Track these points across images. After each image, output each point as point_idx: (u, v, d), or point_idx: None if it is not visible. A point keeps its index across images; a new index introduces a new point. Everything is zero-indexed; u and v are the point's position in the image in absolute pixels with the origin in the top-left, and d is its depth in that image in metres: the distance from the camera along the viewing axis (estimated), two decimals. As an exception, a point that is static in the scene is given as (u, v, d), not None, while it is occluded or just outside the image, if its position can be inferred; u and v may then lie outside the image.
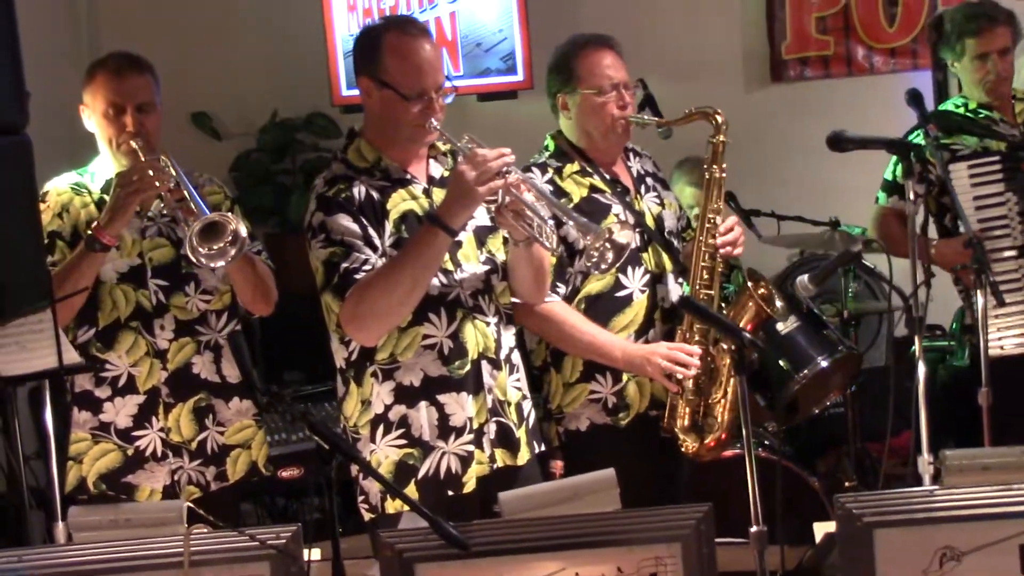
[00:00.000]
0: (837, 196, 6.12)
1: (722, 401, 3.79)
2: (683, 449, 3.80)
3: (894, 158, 4.53)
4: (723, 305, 3.88)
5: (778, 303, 3.80)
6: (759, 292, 3.82)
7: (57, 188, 3.75)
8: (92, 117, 3.72)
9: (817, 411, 4.83)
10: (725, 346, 3.73)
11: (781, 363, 4.57)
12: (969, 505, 2.68)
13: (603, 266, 3.23)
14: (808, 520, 4.35)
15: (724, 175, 3.84)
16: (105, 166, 3.76)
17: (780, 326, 4.22)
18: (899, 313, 3.90)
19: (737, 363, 2.97)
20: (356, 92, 3.75)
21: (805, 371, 4.54)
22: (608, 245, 3.19)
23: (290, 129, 6.63)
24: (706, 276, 3.79)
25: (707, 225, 3.81)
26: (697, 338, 3.75)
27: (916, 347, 3.60)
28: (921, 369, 3.56)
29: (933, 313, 4.57)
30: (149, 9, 6.55)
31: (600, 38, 3.92)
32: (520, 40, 6.33)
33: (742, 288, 3.84)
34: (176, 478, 3.71)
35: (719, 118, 3.83)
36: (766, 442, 4.81)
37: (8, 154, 2.70)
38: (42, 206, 3.68)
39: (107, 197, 3.62)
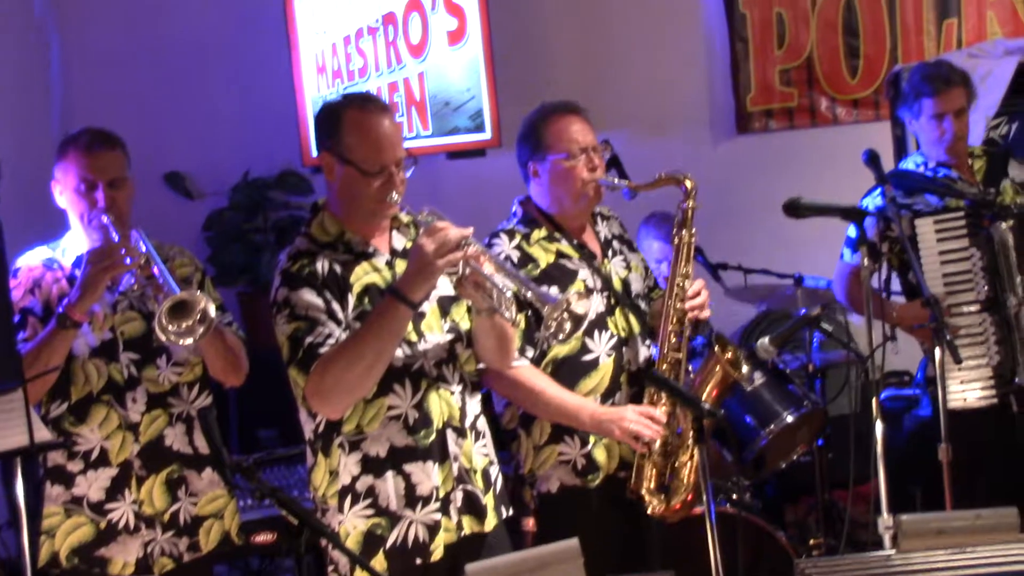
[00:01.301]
0: (802, 245, 6.21)
1: (688, 463, 3.84)
2: (649, 511, 3.84)
3: (856, 214, 4.60)
4: (689, 369, 3.93)
5: (744, 368, 3.86)
6: (726, 356, 3.89)
7: (28, 264, 3.79)
8: (64, 193, 3.77)
9: (784, 465, 4.90)
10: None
11: (747, 419, 4.64)
12: (924, 570, 2.75)
13: (560, 336, 3.26)
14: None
15: (694, 240, 3.91)
16: (77, 241, 3.81)
17: (746, 384, 4.29)
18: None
19: (697, 433, 3.03)
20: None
21: (771, 426, 4.60)
22: (566, 315, 3.23)
23: (262, 188, 6.69)
24: (675, 340, 3.85)
25: (675, 290, 3.87)
26: (664, 400, 3.81)
27: (874, 409, 3.66)
28: (879, 429, 3.63)
29: (902, 358, 4.65)
30: (122, 70, 6.61)
31: (567, 105, 3.98)
32: (488, 99, 6.42)
33: (709, 353, 3.90)
34: (149, 550, 3.73)
35: (689, 183, 3.91)
36: (734, 496, 4.87)
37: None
38: (13, 282, 3.73)
39: (78, 273, 3.67)
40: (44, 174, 5.17)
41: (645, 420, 3.73)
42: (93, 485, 3.72)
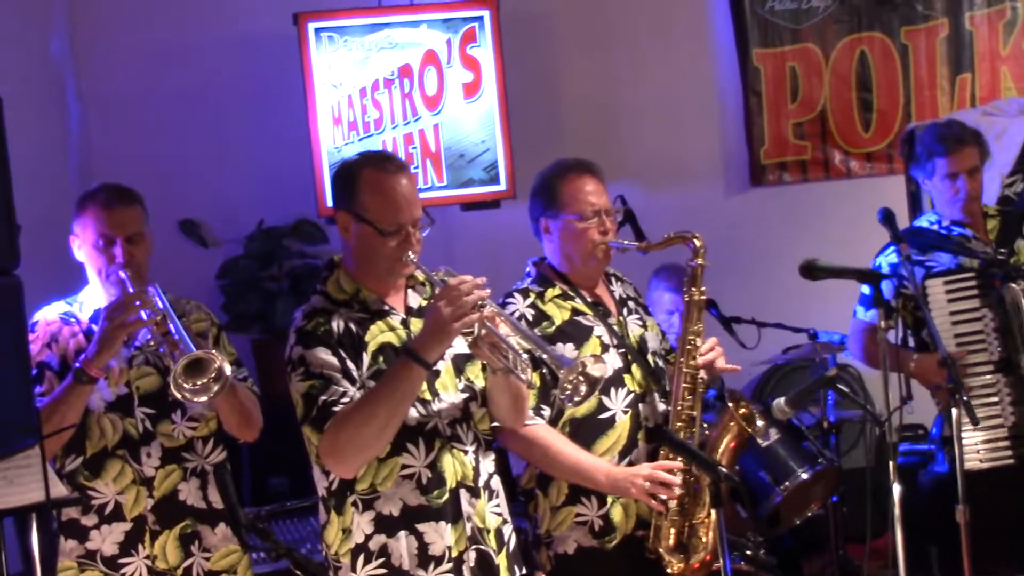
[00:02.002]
0: (816, 299, 6.18)
1: (706, 521, 3.83)
2: (668, 571, 3.82)
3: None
4: (704, 424, 3.93)
5: (759, 422, 3.86)
6: (740, 412, 3.88)
7: (46, 318, 3.81)
8: (82, 248, 3.80)
9: (798, 521, 4.89)
10: None
11: (762, 475, 4.63)
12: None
13: (576, 399, 3.25)
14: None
15: (704, 296, 3.91)
16: (94, 295, 3.83)
17: (761, 439, 4.28)
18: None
19: (714, 497, 3.02)
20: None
21: (786, 483, 4.62)
22: (581, 378, 3.23)
23: (277, 236, 6.70)
24: (688, 397, 3.84)
25: (688, 347, 3.87)
26: (680, 458, 3.80)
27: (891, 471, 3.65)
28: (896, 491, 3.60)
29: (917, 412, 4.62)
30: (139, 116, 6.65)
31: (583, 164, 3.99)
32: (503, 150, 6.44)
33: (723, 408, 3.90)
34: (162, 606, 3.73)
35: (697, 242, 3.91)
36: (748, 552, 4.84)
37: (-1, 296, 2.76)
38: (31, 336, 3.73)
39: (95, 327, 3.68)
40: (60, 220, 5.19)
41: (662, 476, 3.72)
42: (107, 539, 3.72)
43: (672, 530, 3.81)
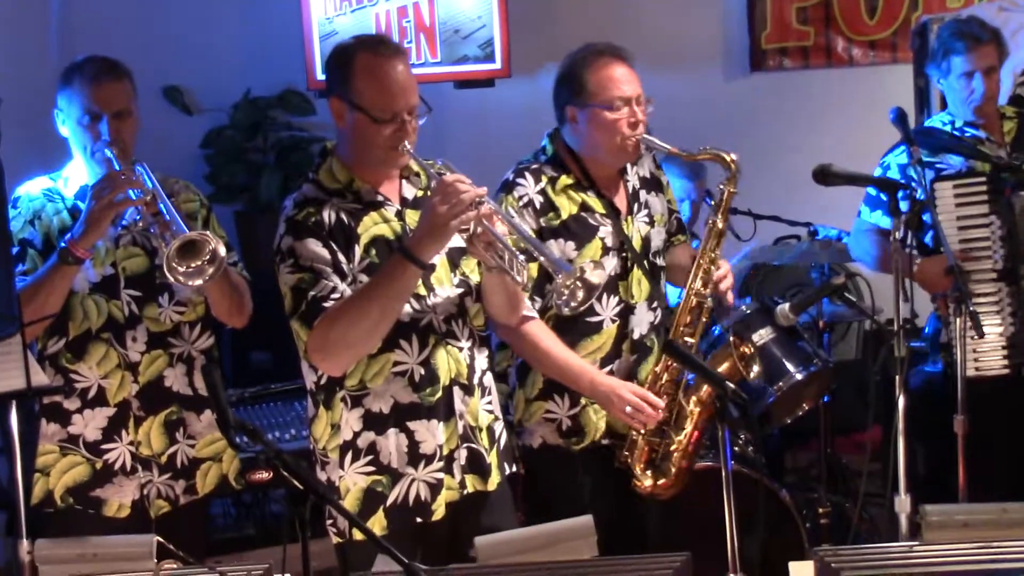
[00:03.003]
0: (816, 189, 6.10)
1: (681, 450, 3.78)
2: (635, 486, 3.78)
3: (878, 170, 4.49)
4: (700, 353, 3.85)
5: (755, 367, 3.78)
6: (740, 350, 3.80)
7: (29, 194, 3.67)
8: (67, 123, 3.64)
9: (788, 420, 4.84)
10: (695, 397, 3.73)
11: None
12: (947, 562, 2.68)
13: (572, 303, 3.15)
14: (779, 534, 4.39)
15: (724, 225, 3.77)
16: (79, 172, 3.69)
17: (755, 336, 4.20)
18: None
19: (720, 413, 2.94)
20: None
21: (780, 383, 4.53)
22: (579, 284, 3.13)
23: (263, 107, 6.55)
24: (690, 321, 3.76)
25: (700, 273, 3.76)
26: (665, 380, 3.74)
27: (897, 386, 3.57)
28: (901, 404, 3.55)
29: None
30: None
31: (613, 49, 3.76)
32: (499, 27, 6.26)
33: (725, 343, 3.80)
34: (145, 492, 3.65)
35: (733, 166, 3.74)
36: (736, 448, 4.80)
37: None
38: (13, 212, 3.62)
39: (80, 204, 3.55)
40: (42, 90, 5.01)
41: (641, 404, 3.64)
42: (90, 424, 3.63)
43: (645, 448, 3.77)
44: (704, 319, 3.77)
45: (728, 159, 3.74)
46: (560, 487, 3.83)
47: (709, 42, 7.04)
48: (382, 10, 6.19)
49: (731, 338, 3.78)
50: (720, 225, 3.77)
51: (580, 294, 3.14)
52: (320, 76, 6.06)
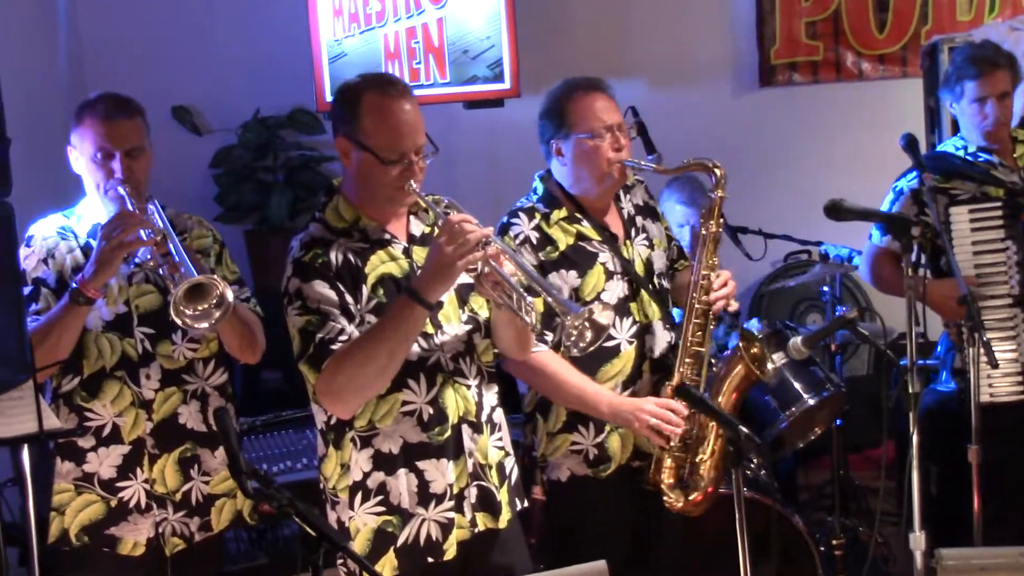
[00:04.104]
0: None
1: (708, 460, 3.78)
2: (667, 505, 3.78)
3: (890, 195, 4.49)
4: (713, 361, 3.84)
5: (770, 365, 3.77)
6: (751, 351, 3.80)
7: (43, 232, 3.67)
8: (80, 160, 3.64)
9: (801, 445, 4.84)
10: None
11: (768, 400, 4.57)
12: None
13: (581, 344, 3.13)
14: (793, 562, 4.38)
15: (720, 230, 3.79)
16: (92, 209, 3.68)
17: (768, 362, 4.21)
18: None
19: (733, 456, 2.94)
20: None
21: (792, 409, 4.56)
22: (587, 324, 3.12)
23: (272, 126, 6.54)
24: (698, 333, 3.75)
25: (701, 282, 3.76)
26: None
27: (911, 421, 3.56)
28: (915, 440, 3.53)
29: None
30: (131, 2, 6.43)
31: (592, 81, 3.84)
32: (508, 47, 6.24)
33: (734, 349, 3.81)
34: (160, 530, 3.65)
35: (718, 171, 3.76)
36: (748, 473, 4.79)
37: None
38: (27, 250, 3.63)
39: (93, 242, 3.55)
40: (49, 112, 4.99)
41: (666, 414, 3.65)
42: (104, 463, 3.63)
43: (673, 465, 3.77)
44: (712, 326, 3.78)
45: (711, 166, 3.75)
46: (585, 515, 3.83)
47: (718, 58, 7.03)
48: (391, 31, 6.17)
49: (741, 343, 3.76)
50: (714, 230, 3.78)
51: (588, 335, 3.13)
52: (329, 98, 6.05)
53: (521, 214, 3.80)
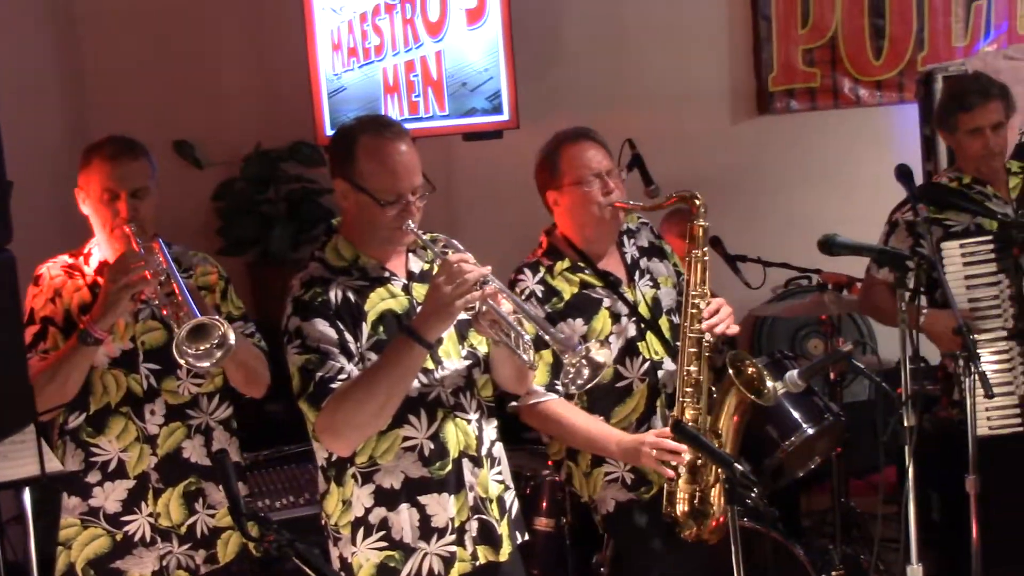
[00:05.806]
0: (822, 230, 6.13)
1: (717, 486, 3.81)
2: (685, 535, 3.82)
3: (887, 227, 4.53)
4: (713, 389, 3.87)
5: (768, 384, 3.80)
6: (748, 372, 3.82)
7: (50, 271, 3.73)
8: (87, 201, 3.71)
9: (801, 474, 4.85)
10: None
11: (768, 429, 4.58)
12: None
13: (579, 382, 3.18)
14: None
15: (706, 258, 3.84)
16: (100, 248, 3.76)
17: (768, 381, 4.22)
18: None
19: (728, 494, 2.97)
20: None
21: (791, 439, 4.55)
22: (584, 362, 3.17)
23: (274, 159, 6.58)
24: (695, 362, 3.79)
25: (691, 311, 3.81)
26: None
27: (907, 455, 3.59)
28: (911, 475, 3.56)
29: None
30: (133, 37, 6.47)
31: (579, 131, 3.97)
32: (506, 79, 6.26)
33: (726, 378, 3.83)
34: (165, 563, 3.69)
35: (698, 202, 3.84)
36: (748, 502, 4.80)
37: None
38: (35, 289, 3.70)
39: (100, 280, 3.61)
40: (51, 147, 5.02)
41: (666, 443, 3.70)
42: (110, 497, 3.68)
43: (684, 496, 3.80)
44: (708, 354, 3.81)
45: (692, 198, 3.83)
46: (637, 536, 3.92)
47: (716, 86, 7.07)
48: (389, 65, 6.21)
49: (730, 370, 3.79)
50: (700, 258, 3.83)
51: (586, 372, 3.18)
52: (329, 131, 6.09)
53: (526, 269, 3.92)
